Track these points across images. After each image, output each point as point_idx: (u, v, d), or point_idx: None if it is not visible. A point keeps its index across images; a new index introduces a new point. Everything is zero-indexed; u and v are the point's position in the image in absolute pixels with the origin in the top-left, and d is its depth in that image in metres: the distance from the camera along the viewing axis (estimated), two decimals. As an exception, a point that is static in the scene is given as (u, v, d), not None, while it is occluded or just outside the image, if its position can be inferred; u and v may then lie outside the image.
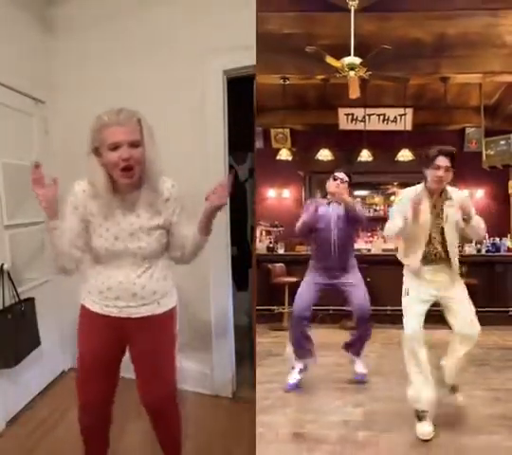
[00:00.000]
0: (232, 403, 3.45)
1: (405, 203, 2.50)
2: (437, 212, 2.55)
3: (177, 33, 3.33)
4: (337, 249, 3.18)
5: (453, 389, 2.64)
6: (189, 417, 2.31)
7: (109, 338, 2.13)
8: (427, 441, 2.33)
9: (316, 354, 3.17)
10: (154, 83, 3.42)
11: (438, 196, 2.57)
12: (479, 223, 2.53)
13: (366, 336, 3.23)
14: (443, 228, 2.54)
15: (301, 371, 3.17)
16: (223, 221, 3.43)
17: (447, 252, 2.55)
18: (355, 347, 3.30)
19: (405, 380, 2.51)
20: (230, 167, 3.75)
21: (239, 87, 3.44)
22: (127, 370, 2.20)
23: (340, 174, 3.20)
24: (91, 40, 3.55)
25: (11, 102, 3.21)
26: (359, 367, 3.30)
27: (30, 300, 3.26)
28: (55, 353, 3.73)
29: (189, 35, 3.30)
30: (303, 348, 3.14)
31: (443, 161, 2.51)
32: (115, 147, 1.91)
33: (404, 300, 2.57)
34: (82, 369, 2.16)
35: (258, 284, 4.78)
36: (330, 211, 3.22)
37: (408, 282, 2.60)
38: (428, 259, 2.55)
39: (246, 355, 3.76)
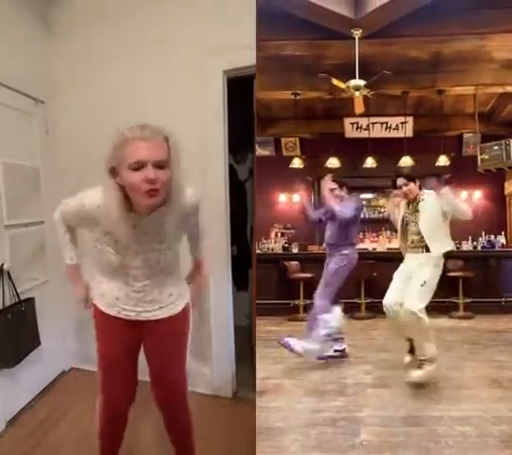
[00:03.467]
0: (232, 403, 3.46)
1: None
2: (413, 211, 3.28)
3: (177, 33, 3.34)
4: (327, 239, 3.81)
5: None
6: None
7: (126, 339, 2.13)
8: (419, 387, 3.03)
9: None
10: (154, 83, 3.43)
11: (413, 200, 3.31)
12: (460, 203, 3.25)
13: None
14: (418, 222, 3.23)
15: (335, 351, 3.63)
16: (223, 221, 3.44)
17: (422, 241, 3.20)
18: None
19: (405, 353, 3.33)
20: (230, 167, 3.74)
21: (239, 87, 3.45)
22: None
23: (333, 185, 3.79)
24: (91, 40, 3.55)
25: (11, 102, 3.21)
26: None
27: (30, 300, 3.26)
28: (55, 353, 3.73)
29: (189, 35, 3.31)
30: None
31: (400, 181, 3.31)
32: (138, 166, 1.67)
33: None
34: (103, 368, 2.16)
35: (277, 280, 5.46)
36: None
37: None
38: (409, 247, 3.28)
39: (246, 355, 3.76)
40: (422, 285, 3.09)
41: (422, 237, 3.20)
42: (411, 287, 3.11)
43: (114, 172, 1.73)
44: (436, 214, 3.20)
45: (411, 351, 3.29)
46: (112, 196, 1.75)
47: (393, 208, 3.49)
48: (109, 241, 1.91)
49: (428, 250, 3.18)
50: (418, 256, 3.21)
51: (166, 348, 2.18)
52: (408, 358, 3.33)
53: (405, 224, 3.32)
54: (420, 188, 3.32)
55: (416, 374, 3.07)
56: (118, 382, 2.16)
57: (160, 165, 1.69)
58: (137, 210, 1.82)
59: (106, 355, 2.15)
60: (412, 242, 3.25)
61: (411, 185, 3.28)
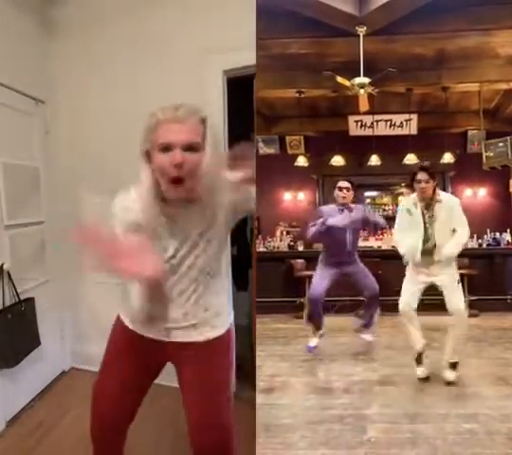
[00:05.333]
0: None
1: (403, 213, 3.17)
2: (429, 215, 3.06)
3: (177, 33, 3.34)
4: (350, 247, 3.67)
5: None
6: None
7: (148, 361, 1.89)
8: (424, 380, 3.10)
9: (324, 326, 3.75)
10: (153, 83, 3.42)
11: (429, 200, 3.06)
12: (462, 236, 3.05)
13: (376, 310, 3.84)
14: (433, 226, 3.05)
15: (320, 336, 3.72)
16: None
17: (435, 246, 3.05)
18: (365, 320, 3.85)
19: (410, 353, 3.29)
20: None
21: (239, 87, 3.44)
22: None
23: (344, 184, 3.70)
24: (91, 40, 3.56)
25: (11, 102, 3.22)
26: (367, 336, 3.89)
27: (30, 300, 3.26)
28: (55, 353, 3.73)
29: (189, 35, 3.31)
30: (317, 319, 3.70)
31: (422, 175, 3.01)
32: (166, 148, 1.53)
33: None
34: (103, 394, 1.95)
35: (282, 278, 5.49)
36: (343, 216, 3.63)
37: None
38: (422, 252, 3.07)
39: (246, 355, 3.67)
40: (458, 283, 3.13)
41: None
42: (452, 287, 3.09)
43: (148, 155, 1.60)
44: (449, 220, 3.06)
45: (419, 360, 3.21)
46: (145, 181, 1.60)
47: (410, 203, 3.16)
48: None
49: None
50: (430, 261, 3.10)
51: (201, 383, 1.85)
52: (421, 370, 3.18)
53: (421, 224, 3.10)
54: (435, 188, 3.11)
55: (453, 375, 3.08)
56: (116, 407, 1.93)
57: (192, 147, 1.54)
58: (168, 202, 1.64)
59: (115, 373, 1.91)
60: (430, 243, 3.08)
61: (431, 183, 3.04)
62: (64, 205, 3.72)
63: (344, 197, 3.65)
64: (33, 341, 3.27)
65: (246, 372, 3.55)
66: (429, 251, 3.08)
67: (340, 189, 3.66)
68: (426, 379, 3.12)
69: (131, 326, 1.85)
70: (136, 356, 1.86)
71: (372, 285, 3.74)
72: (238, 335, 3.67)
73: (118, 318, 1.91)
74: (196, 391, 1.85)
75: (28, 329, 3.22)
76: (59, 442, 2.84)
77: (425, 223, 3.06)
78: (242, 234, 5.04)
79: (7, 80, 3.08)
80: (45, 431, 2.98)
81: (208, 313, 1.82)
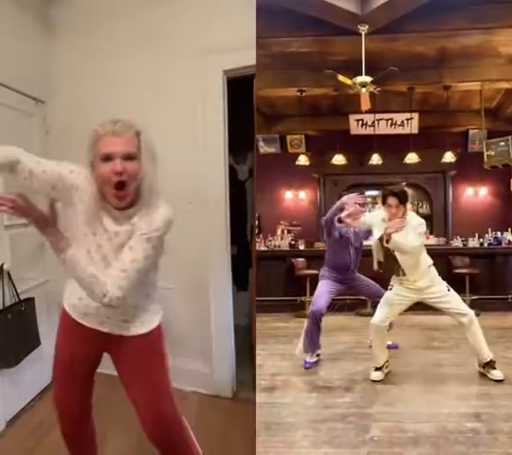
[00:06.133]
0: (232, 403, 3.46)
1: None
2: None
3: (177, 33, 3.34)
4: (353, 263, 3.66)
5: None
6: (189, 417, 2.26)
7: (88, 348, 2.08)
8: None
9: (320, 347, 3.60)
10: (153, 83, 3.42)
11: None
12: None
13: None
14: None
15: (317, 355, 3.57)
16: (223, 221, 3.44)
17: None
18: None
19: (413, 350, 3.60)
20: (230, 167, 3.75)
21: (239, 87, 3.44)
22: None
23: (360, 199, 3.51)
24: (91, 40, 3.56)
25: (11, 102, 3.22)
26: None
27: (30, 300, 3.26)
28: (55, 353, 3.71)
29: (189, 35, 3.31)
30: (314, 340, 3.51)
31: (392, 200, 3.04)
32: (107, 158, 1.74)
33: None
34: (58, 379, 2.21)
35: (283, 276, 5.50)
36: (349, 231, 3.61)
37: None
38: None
39: (246, 355, 3.74)
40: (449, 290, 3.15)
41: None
42: (454, 297, 3.13)
43: (92, 166, 1.80)
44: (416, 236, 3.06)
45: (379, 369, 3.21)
46: (91, 187, 1.80)
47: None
48: (78, 232, 1.88)
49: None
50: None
51: (138, 377, 2.03)
52: (377, 375, 3.18)
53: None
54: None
55: (499, 373, 3.09)
56: (71, 394, 2.18)
57: (130, 157, 1.76)
58: (108, 208, 1.84)
59: (62, 362, 2.17)
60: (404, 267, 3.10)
61: (401, 207, 3.07)
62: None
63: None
64: (33, 341, 3.25)
65: (246, 371, 3.59)
66: None
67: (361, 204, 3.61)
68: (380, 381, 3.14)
69: (70, 311, 2.03)
70: (77, 343, 2.09)
71: (381, 290, 3.63)
72: (238, 335, 3.72)
73: (62, 310, 2.09)
74: (135, 387, 2.03)
75: (28, 329, 3.21)
76: (59, 442, 2.72)
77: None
78: (242, 234, 5.01)
79: (7, 80, 3.09)
80: (45, 431, 2.97)
81: (138, 310, 1.99)
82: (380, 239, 3.02)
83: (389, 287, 3.21)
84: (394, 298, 3.15)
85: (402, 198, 3.05)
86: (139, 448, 2.61)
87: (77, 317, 2.01)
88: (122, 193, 1.77)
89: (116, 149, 1.74)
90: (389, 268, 3.17)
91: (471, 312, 3.10)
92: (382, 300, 3.20)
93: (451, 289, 3.15)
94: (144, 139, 1.82)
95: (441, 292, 3.12)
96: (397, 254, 3.05)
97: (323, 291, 3.58)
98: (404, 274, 3.10)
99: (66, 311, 2.05)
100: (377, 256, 3.16)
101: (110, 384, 2.22)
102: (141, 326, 2.01)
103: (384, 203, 3.08)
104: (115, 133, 1.76)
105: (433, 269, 3.16)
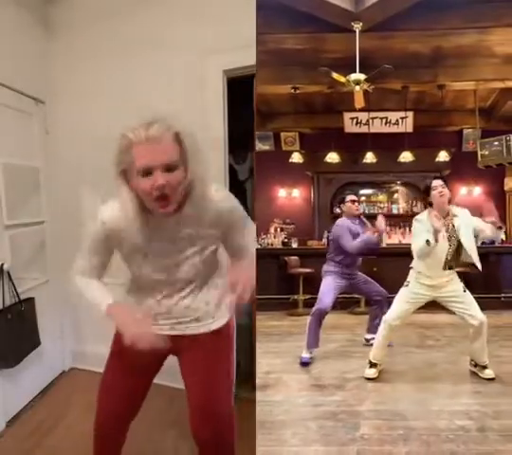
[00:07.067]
0: None
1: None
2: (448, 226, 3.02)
3: (177, 33, 3.33)
4: (359, 260, 3.74)
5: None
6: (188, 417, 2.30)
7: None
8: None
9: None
10: (153, 83, 3.42)
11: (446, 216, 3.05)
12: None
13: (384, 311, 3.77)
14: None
15: (311, 352, 3.59)
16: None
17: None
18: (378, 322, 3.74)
19: (407, 348, 3.62)
20: (230, 167, 3.76)
21: (239, 87, 3.45)
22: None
23: (355, 197, 3.79)
24: (91, 40, 3.55)
25: (11, 102, 3.22)
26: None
27: (30, 300, 3.27)
28: (55, 353, 3.74)
29: (189, 35, 3.30)
30: (315, 337, 3.56)
31: (437, 182, 3.03)
32: (146, 172, 1.55)
33: None
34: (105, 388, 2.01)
35: (276, 274, 5.45)
36: (357, 228, 3.68)
37: None
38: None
39: (246, 355, 3.68)
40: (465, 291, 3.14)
41: (454, 254, 3.08)
42: (468, 298, 3.11)
43: (125, 174, 1.62)
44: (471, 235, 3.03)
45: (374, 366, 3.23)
46: (127, 199, 1.63)
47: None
48: (127, 253, 1.80)
49: (450, 268, 3.12)
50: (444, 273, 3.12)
51: (203, 371, 1.92)
52: (372, 372, 3.21)
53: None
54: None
55: (490, 372, 3.13)
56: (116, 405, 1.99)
57: (170, 167, 1.56)
58: (154, 215, 1.68)
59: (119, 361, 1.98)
60: (442, 260, 3.07)
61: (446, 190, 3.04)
62: (64, 205, 3.72)
63: (357, 210, 3.78)
64: (33, 341, 3.27)
65: (247, 370, 3.57)
66: None
67: (353, 202, 3.75)
68: (374, 379, 3.16)
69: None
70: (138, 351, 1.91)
71: (380, 288, 3.76)
72: (238, 334, 3.70)
73: None
74: (196, 376, 1.92)
75: (28, 329, 3.22)
76: (59, 442, 2.83)
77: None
78: None
79: (7, 80, 3.08)
80: (45, 431, 2.97)
81: (209, 306, 1.91)
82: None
83: (405, 283, 3.18)
84: (410, 296, 3.12)
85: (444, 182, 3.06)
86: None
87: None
88: (166, 203, 1.60)
89: (155, 160, 1.53)
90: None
91: (483, 317, 3.07)
92: (397, 297, 3.17)
93: (467, 290, 3.14)
94: (187, 142, 1.60)
95: (456, 292, 3.11)
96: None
97: (329, 289, 3.60)
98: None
99: None
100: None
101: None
102: (214, 321, 1.93)
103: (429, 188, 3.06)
104: (151, 139, 1.53)
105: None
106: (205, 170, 1.67)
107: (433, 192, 3.04)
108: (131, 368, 1.94)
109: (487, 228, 2.96)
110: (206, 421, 1.90)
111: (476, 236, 3.04)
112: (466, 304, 3.08)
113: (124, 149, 1.57)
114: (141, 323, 1.71)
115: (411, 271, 3.16)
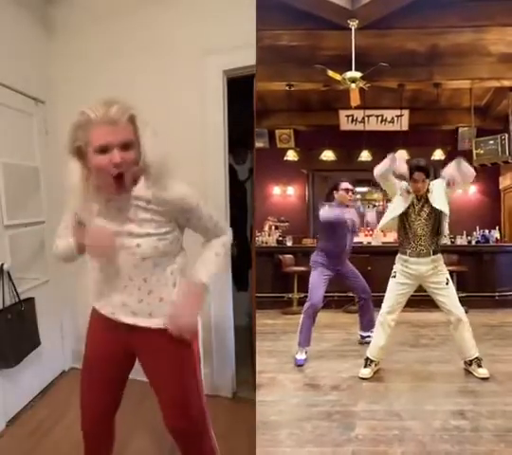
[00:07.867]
0: (232, 403, 3.47)
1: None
2: (421, 206, 3.14)
3: (177, 33, 3.33)
4: (348, 248, 3.71)
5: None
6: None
7: (113, 343, 1.97)
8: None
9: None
10: (153, 83, 3.42)
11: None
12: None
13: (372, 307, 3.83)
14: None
15: (306, 352, 3.54)
16: (223, 221, 3.43)
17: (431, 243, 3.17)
18: (368, 321, 3.83)
19: (401, 347, 3.65)
20: (230, 167, 3.76)
21: (239, 87, 3.45)
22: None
23: (349, 186, 3.73)
24: (91, 40, 3.54)
25: (11, 102, 3.21)
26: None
27: (30, 300, 3.27)
28: (55, 353, 3.74)
29: (189, 35, 3.31)
30: (308, 335, 3.53)
31: (418, 175, 3.08)
32: (103, 150, 1.63)
33: None
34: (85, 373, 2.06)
35: (271, 273, 5.41)
36: (346, 217, 3.64)
37: None
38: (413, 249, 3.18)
39: (246, 355, 3.76)
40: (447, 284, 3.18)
41: (432, 237, 3.13)
42: (449, 292, 3.15)
43: (80, 151, 1.69)
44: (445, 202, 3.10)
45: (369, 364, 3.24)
46: (74, 168, 1.70)
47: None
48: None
49: (434, 253, 3.14)
50: (426, 260, 3.15)
51: (163, 365, 1.93)
52: (367, 372, 3.21)
53: (408, 223, 3.16)
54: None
55: (484, 371, 3.13)
56: (98, 392, 2.02)
57: (126, 146, 1.64)
58: (103, 192, 1.75)
59: (91, 358, 2.03)
60: (418, 242, 3.13)
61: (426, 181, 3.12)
62: (63, 205, 3.71)
63: (350, 200, 3.76)
64: (33, 341, 3.27)
65: (246, 372, 3.62)
66: None
67: (347, 190, 3.71)
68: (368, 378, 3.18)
69: (97, 306, 1.98)
70: (108, 345, 1.98)
71: (367, 287, 3.80)
72: (238, 335, 3.73)
73: (92, 309, 2.04)
74: (161, 375, 1.94)
75: (28, 329, 3.22)
76: (59, 442, 2.83)
77: None
78: (242, 234, 4.96)
79: (7, 80, 3.08)
80: (45, 431, 2.98)
81: (162, 303, 1.87)
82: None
83: (392, 274, 3.21)
84: (399, 288, 3.17)
85: (428, 173, 3.11)
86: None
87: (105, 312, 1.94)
88: (121, 183, 1.68)
89: (113, 140, 1.62)
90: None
91: (461, 313, 3.13)
92: (388, 290, 3.21)
93: (450, 284, 3.18)
94: (140, 124, 1.68)
95: (440, 284, 3.15)
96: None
97: (318, 284, 3.58)
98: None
99: (94, 308, 2.01)
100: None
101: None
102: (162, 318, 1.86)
103: (410, 178, 3.11)
104: (110, 120, 1.62)
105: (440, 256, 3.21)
106: (162, 157, 1.71)
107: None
108: (106, 362, 2.00)
109: (449, 169, 3.10)
110: (176, 418, 1.96)
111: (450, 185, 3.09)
112: (446, 298, 3.14)
113: (82, 126, 1.65)
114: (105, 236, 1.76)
115: (396, 257, 3.22)
